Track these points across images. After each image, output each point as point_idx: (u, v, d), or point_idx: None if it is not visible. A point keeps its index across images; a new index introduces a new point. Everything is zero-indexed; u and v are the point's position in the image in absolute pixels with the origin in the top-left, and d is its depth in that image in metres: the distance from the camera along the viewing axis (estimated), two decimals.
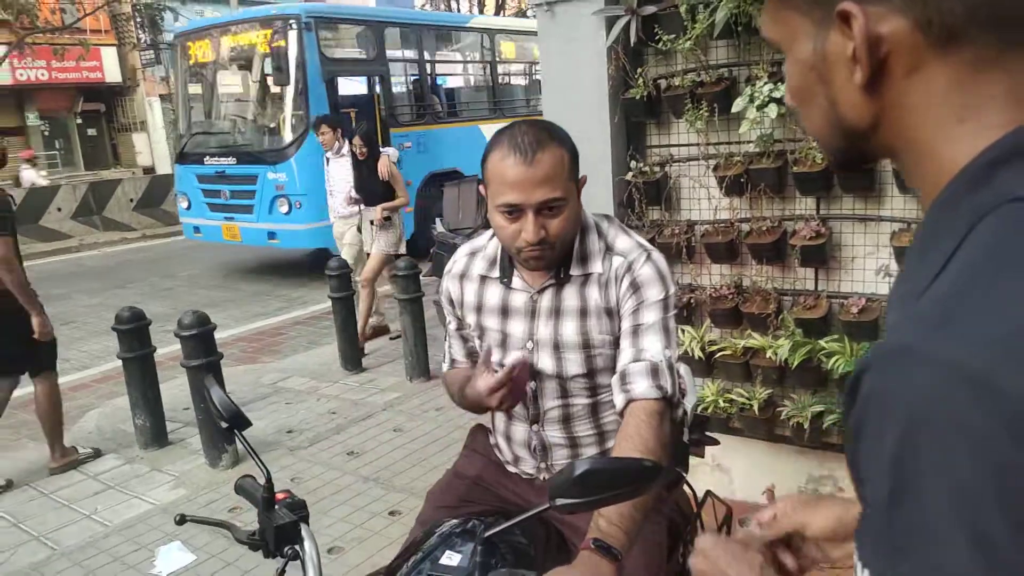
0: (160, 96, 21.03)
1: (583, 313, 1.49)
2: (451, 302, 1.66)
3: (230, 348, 5.72)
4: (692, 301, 2.83)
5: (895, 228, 2.43)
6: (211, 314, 4.01)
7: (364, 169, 5.60)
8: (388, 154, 5.82)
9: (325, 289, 5.32)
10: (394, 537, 2.94)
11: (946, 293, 0.53)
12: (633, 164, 2.85)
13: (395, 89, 9.88)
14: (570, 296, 1.50)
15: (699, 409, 2.80)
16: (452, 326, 1.69)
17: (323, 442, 4.11)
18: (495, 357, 1.56)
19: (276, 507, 1.33)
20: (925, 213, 0.61)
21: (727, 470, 2.96)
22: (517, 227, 1.40)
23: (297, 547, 1.30)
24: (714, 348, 2.78)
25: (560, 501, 1.07)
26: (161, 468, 3.94)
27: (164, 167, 20.36)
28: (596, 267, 1.49)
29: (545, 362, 1.52)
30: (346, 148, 5.88)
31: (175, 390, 4.74)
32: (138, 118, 21.35)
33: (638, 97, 2.73)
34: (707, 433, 2.08)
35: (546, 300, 1.51)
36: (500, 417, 1.65)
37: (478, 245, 1.63)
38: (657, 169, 2.82)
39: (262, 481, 1.37)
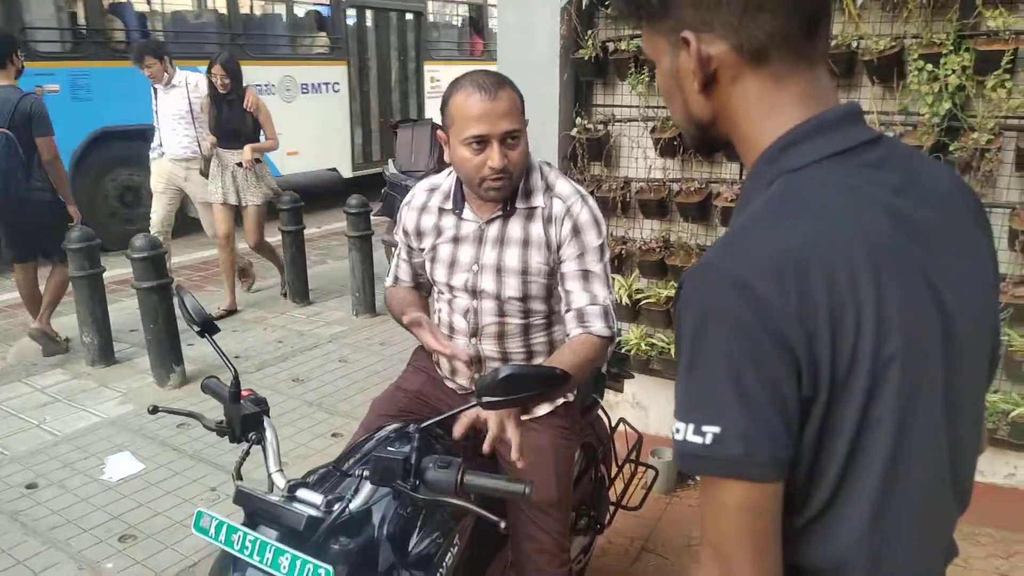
0: None
1: (525, 243, 1.72)
2: (406, 232, 1.86)
3: (176, 276, 5.77)
4: (623, 252, 3.07)
5: None
6: (158, 239, 4.09)
7: (225, 105, 4.85)
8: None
9: (275, 222, 5.40)
10: (336, 455, 3.16)
11: (738, 229, 0.79)
12: (579, 121, 3.04)
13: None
14: (515, 228, 1.72)
15: (623, 350, 3.07)
16: (403, 252, 1.90)
17: (269, 368, 4.28)
18: (440, 276, 1.79)
19: (241, 401, 1.52)
20: (744, 180, 0.87)
21: (645, 407, 3.25)
22: (483, 158, 1.61)
23: (260, 434, 1.50)
24: (640, 296, 3.04)
25: (486, 399, 1.31)
26: (108, 385, 4.06)
27: None
28: (538, 201, 1.71)
29: (487, 283, 1.74)
30: (179, 78, 5.14)
31: (119, 312, 4.82)
32: None
33: (587, 58, 2.91)
34: (624, 372, 2.35)
35: (493, 230, 1.74)
36: (443, 332, 1.87)
37: (436, 182, 1.84)
38: (600, 127, 3.02)
39: (226, 381, 1.56)
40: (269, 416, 1.55)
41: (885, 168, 0.81)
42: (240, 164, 4.89)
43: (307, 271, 5.52)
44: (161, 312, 3.93)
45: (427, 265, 1.84)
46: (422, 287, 1.96)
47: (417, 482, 1.34)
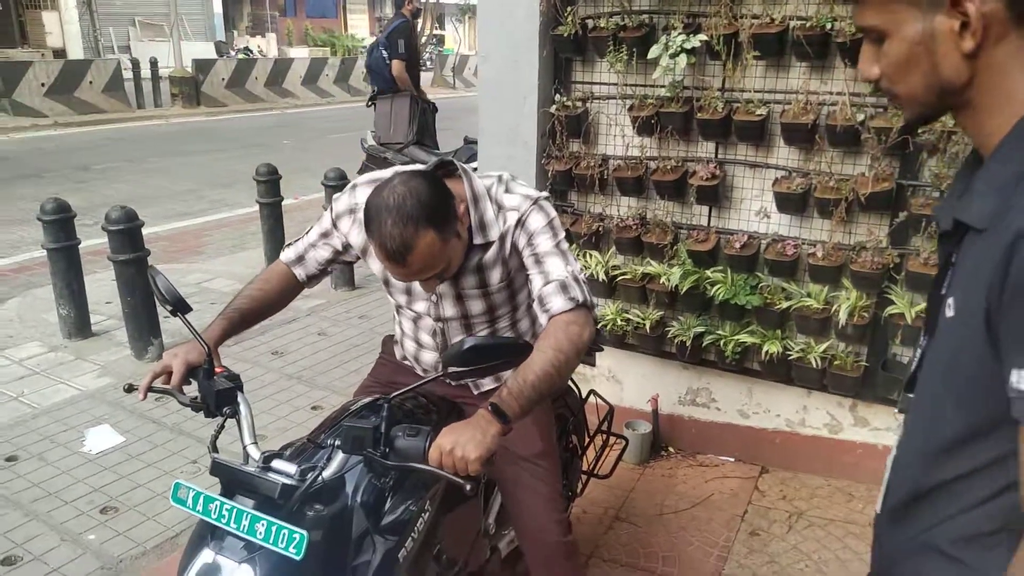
0: None
1: (479, 268, 1.70)
2: (347, 246, 1.79)
3: (152, 246, 5.68)
4: (601, 229, 3.12)
5: (778, 175, 2.75)
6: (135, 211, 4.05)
7: None
8: None
9: (252, 193, 5.36)
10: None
11: None
12: (557, 98, 3.06)
13: None
14: (471, 256, 1.68)
15: (599, 326, 3.13)
16: (326, 240, 1.82)
17: (248, 341, 4.29)
18: (400, 301, 1.80)
19: (215, 377, 1.56)
20: (1005, 136, 0.85)
21: (620, 381, 3.32)
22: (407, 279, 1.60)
23: (234, 408, 1.55)
24: (616, 272, 3.09)
25: (452, 369, 1.37)
26: (86, 357, 4.06)
27: (76, 50, 19.12)
28: (494, 234, 1.66)
29: (449, 310, 1.76)
30: None
31: (94, 285, 4.79)
32: None
33: (566, 34, 2.91)
34: (595, 345, 2.39)
35: None
36: (409, 347, 1.90)
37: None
38: (579, 104, 3.04)
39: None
40: (243, 391, 1.59)
41: None
42: None
43: (285, 243, 5.48)
44: (138, 285, 3.92)
45: (382, 286, 1.85)
46: (312, 281, 1.88)
47: (387, 450, 1.39)
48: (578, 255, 3.12)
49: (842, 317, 2.63)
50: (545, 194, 1.74)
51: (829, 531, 2.71)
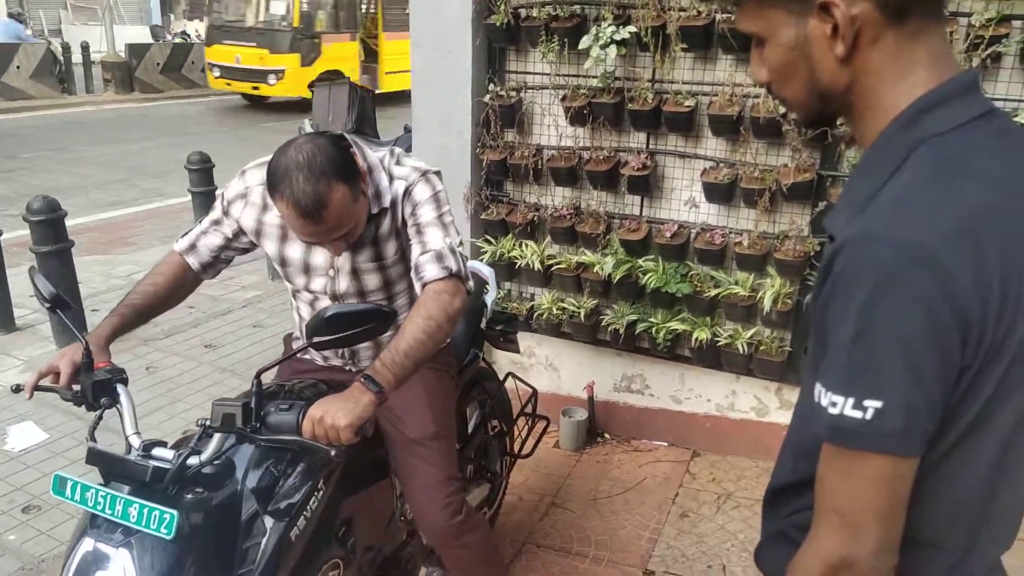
0: None
1: (375, 240, 1.72)
2: (241, 230, 1.77)
3: (79, 237, 5.49)
4: (536, 219, 3.14)
5: (706, 165, 2.81)
6: (58, 201, 3.92)
7: None
8: None
9: (183, 182, 5.22)
10: None
11: (899, 196, 0.76)
12: (492, 87, 3.06)
13: None
14: (366, 228, 1.69)
15: (535, 315, 3.16)
16: (217, 227, 1.80)
17: (180, 334, 4.20)
18: (298, 282, 1.78)
19: (95, 371, 1.56)
20: (867, 148, 0.83)
21: (557, 369, 3.36)
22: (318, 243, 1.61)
23: (114, 398, 1.54)
24: (552, 262, 3.12)
25: (316, 339, 1.39)
26: (9, 353, 3.91)
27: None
28: (386, 200, 1.68)
29: (345, 285, 1.75)
30: None
31: (17, 278, 4.60)
32: None
33: (499, 24, 2.92)
34: (508, 330, 2.44)
35: None
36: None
37: None
38: (513, 94, 3.05)
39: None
40: (127, 385, 1.58)
41: (1011, 138, 0.81)
42: None
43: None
44: (63, 277, 3.79)
45: (278, 269, 1.83)
46: (208, 271, 1.84)
47: (259, 425, 1.40)
48: (514, 245, 3.14)
49: (767, 304, 2.71)
50: (435, 169, 1.75)
51: (755, 511, 2.79)
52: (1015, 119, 2.33)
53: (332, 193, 1.47)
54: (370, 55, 13.68)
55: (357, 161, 1.58)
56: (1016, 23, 2.32)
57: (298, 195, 1.45)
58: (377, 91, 11.08)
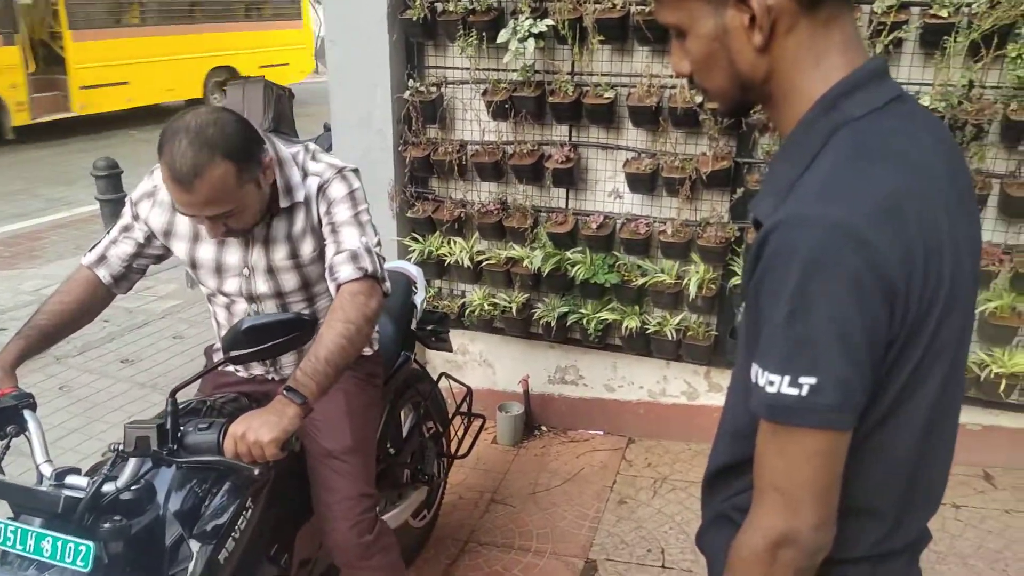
0: None
1: (289, 237, 1.66)
2: (152, 234, 1.72)
3: None
4: (463, 215, 3.11)
5: (628, 156, 2.84)
6: None
7: None
8: None
9: (91, 190, 4.96)
10: None
11: (823, 179, 0.78)
12: (411, 83, 3.01)
13: None
14: (280, 226, 1.66)
15: (467, 312, 3.14)
16: (127, 233, 1.73)
17: (94, 350, 4.00)
18: (211, 284, 1.71)
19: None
20: (787, 134, 0.85)
21: (492, 364, 3.35)
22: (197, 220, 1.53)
23: (21, 426, 1.46)
24: (481, 258, 3.10)
25: (234, 353, 1.34)
26: None
27: None
28: (299, 195, 1.64)
29: (262, 285, 1.69)
30: None
31: None
32: None
33: (415, 18, 2.87)
34: (439, 329, 2.41)
35: (258, 230, 1.65)
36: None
37: None
38: (433, 89, 3.01)
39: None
40: (35, 410, 1.50)
41: (918, 120, 0.85)
42: None
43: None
44: None
45: (190, 272, 1.77)
46: (120, 284, 1.75)
47: (176, 447, 1.34)
48: (442, 242, 3.11)
49: (692, 290, 2.76)
50: (353, 166, 1.71)
51: (690, 492, 2.85)
52: (920, 102, 2.43)
53: (211, 167, 1.41)
54: (52, 63, 9.91)
55: (262, 149, 1.53)
56: (915, 9, 2.43)
57: (176, 157, 1.40)
58: (71, 114, 9.30)
